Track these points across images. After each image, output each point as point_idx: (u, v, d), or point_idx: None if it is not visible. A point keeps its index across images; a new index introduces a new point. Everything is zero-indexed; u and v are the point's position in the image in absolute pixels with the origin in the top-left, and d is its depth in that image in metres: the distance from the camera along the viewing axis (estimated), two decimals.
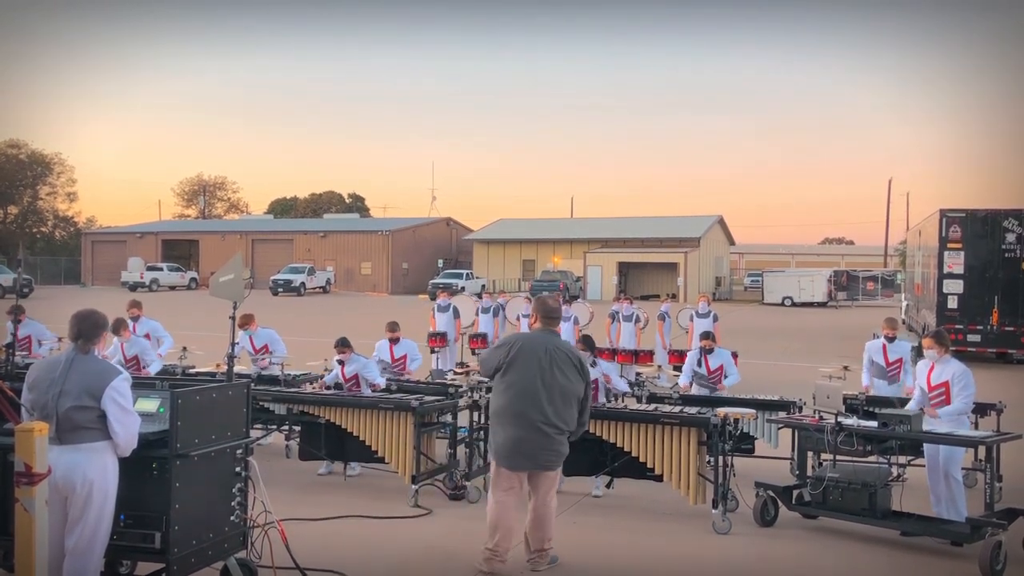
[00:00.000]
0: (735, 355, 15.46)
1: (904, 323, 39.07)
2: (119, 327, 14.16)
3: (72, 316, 6.97)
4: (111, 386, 6.64)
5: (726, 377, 14.70)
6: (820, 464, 11.33)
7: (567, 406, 8.26)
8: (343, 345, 13.53)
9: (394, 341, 15.15)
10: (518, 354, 8.29)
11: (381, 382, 13.52)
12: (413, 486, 11.20)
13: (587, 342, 12.35)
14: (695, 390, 14.46)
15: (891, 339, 13.80)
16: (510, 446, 8.27)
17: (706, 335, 14.93)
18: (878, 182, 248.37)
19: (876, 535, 10.14)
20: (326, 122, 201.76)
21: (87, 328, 6.89)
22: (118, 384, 6.68)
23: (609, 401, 12.58)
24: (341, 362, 13.54)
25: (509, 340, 8.51)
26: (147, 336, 15.36)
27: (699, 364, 14.57)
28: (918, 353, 12.76)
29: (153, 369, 14.26)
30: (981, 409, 12.37)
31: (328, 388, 13.60)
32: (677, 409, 11.04)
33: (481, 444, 12.14)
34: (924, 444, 10.40)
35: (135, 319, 15.56)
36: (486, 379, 8.70)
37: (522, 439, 8.21)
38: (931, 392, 10.50)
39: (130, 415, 6.73)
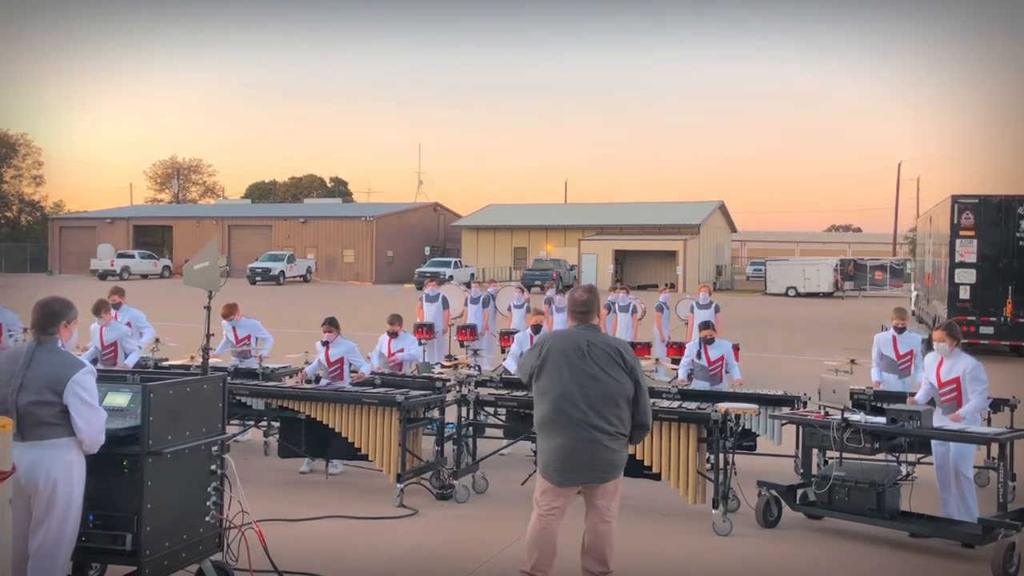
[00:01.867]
0: (736, 348, 15.48)
1: (914, 315, 39.15)
2: (100, 309, 14.21)
3: (34, 305, 6.94)
4: (73, 380, 6.57)
5: (727, 371, 14.71)
6: (825, 462, 11.34)
7: (612, 407, 7.53)
8: (331, 324, 13.53)
9: (393, 335, 15.11)
10: (548, 355, 7.70)
11: (366, 369, 13.53)
12: (398, 485, 11.19)
13: None
14: (694, 383, 14.47)
15: (901, 330, 13.72)
16: (556, 459, 7.58)
17: (706, 325, 14.98)
18: (887, 166, 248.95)
19: (884, 536, 10.16)
20: (307, 102, 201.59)
21: (42, 317, 6.85)
22: (81, 378, 6.61)
23: None
24: (326, 343, 13.50)
25: (540, 340, 8.00)
26: (128, 325, 15.29)
27: (699, 355, 14.59)
28: (929, 346, 12.77)
29: (131, 360, 14.23)
30: (994, 405, 12.38)
31: (309, 381, 13.58)
32: (676, 404, 11.05)
33: (470, 441, 12.15)
34: (933, 441, 10.42)
35: (117, 306, 15.50)
36: (526, 384, 8.13)
37: (568, 450, 7.52)
38: (941, 389, 10.50)
39: (94, 410, 6.66)
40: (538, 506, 7.69)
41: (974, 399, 10.24)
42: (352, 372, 13.59)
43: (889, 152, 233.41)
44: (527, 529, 7.73)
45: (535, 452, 8.44)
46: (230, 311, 15.22)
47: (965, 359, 10.41)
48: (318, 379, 13.71)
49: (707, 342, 14.59)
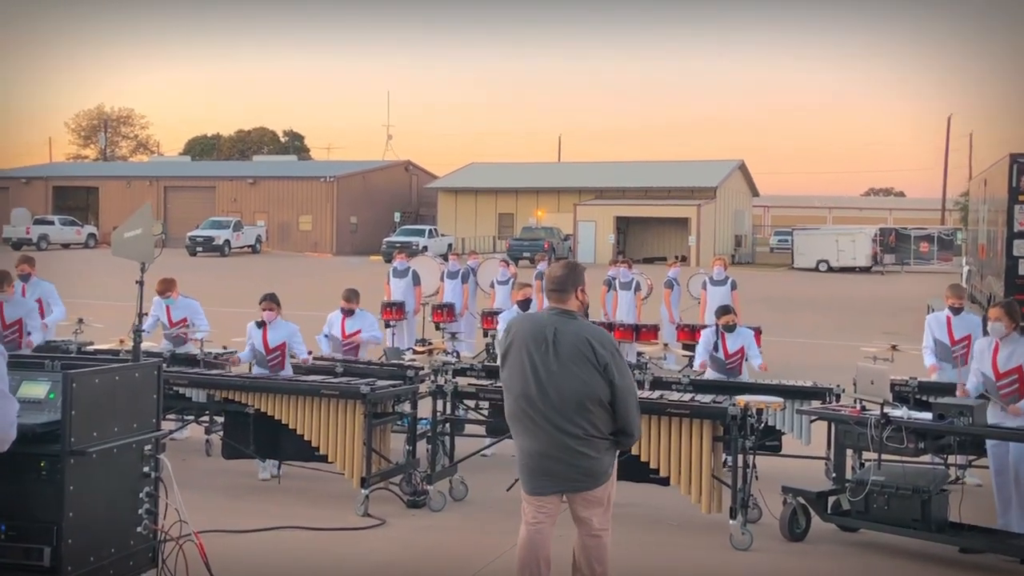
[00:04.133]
0: (758, 332, 15.47)
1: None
2: (2, 282, 13.79)
3: None
4: None
5: (747, 359, 14.60)
6: (862, 465, 11.37)
7: (580, 411, 7.32)
8: (272, 301, 13.36)
9: (348, 313, 15.06)
10: (511, 344, 7.60)
11: (306, 356, 13.41)
12: (363, 491, 11.19)
13: None
14: (707, 374, 14.43)
15: (957, 311, 13.59)
16: (527, 463, 7.56)
17: (725, 310, 14.71)
18: (935, 120, 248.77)
19: (930, 552, 10.19)
20: (255, 42, 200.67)
21: None
22: None
23: None
24: (263, 324, 13.35)
25: (508, 326, 7.88)
26: (38, 302, 15.10)
27: (716, 348, 14.45)
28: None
29: (34, 339, 13.96)
30: None
31: (249, 367, 13.51)
32: (687, 397, 11.04)
33: (446, 439, 12.15)
34: (988, 441, 10.44)
35: (25, 278, 15.30)
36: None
37: (535, 453, 7.48)
38: (1000, 380, 10.48)
39: (5, 400, 6.49)
40: (524, 516, 7.68)
41: None
42: (292, 358, 13.48)
43: (937, 104, 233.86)
44: (517, 542, 7.72)
45: None
46: (167, 287, 15.15)
47: None
48: (259, 360, 13.55)
49: (727, 330, 14.40)
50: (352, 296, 15.13)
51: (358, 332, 15.03)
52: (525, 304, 15.09)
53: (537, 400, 7.37)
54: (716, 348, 14.40)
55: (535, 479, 7.51)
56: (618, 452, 7.76)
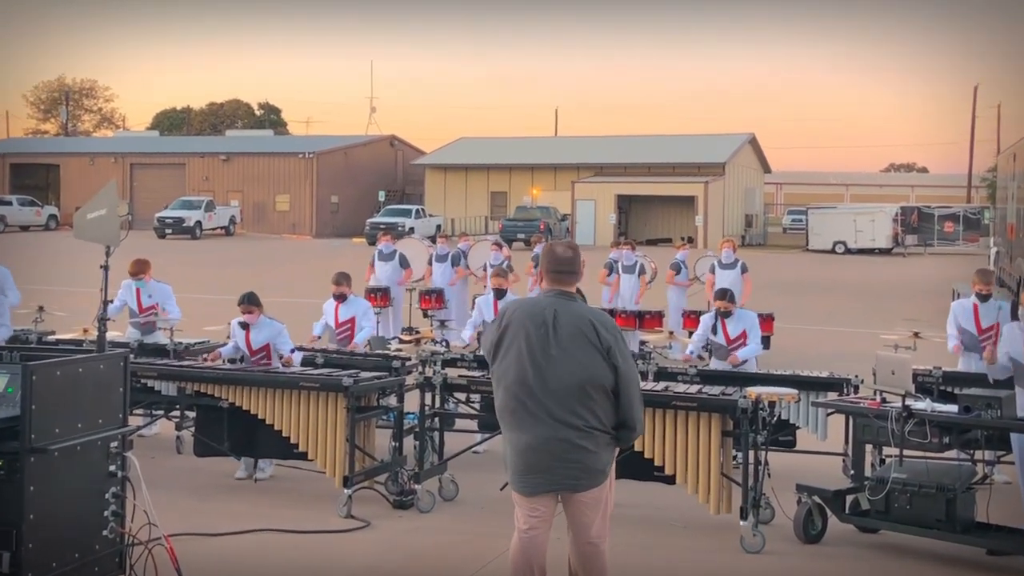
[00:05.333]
0: (770, 318, 15.46)
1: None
2: None
3: None
4: None
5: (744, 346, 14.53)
6: (882, 462, 11.39)
7: (583, 398, 7.32)
8: (249, 303, 13.32)
9: (340, 298, 15.01)
10: (506, 331, 7.55)
11: (295, 356, 13.36)
12: (346, 491, 11.21)
13: None
14: (712, 364, 14.44)
15: (985, 297, 13.61)
16: (518, 461, 7.48)
17: (723, 293, 14.71)
18: (960, 90, 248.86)
19: (955, 554, 10.21)
20: (228, 8, 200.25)
21: None
22: None
23: None
24: (245, 325, 13.35)
25: (502, 311, 7.81)
26: None
27: (714, 331, 14.47)
28: (1015, 314, 12.77)
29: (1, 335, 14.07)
30: None
31: (232, 362, 13.52)
32: (694, 389, 11.07)
33: (435, 435, 12.15)
34: (1014, 435, 10.45)
35: None
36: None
37: (529, 448, 7.41)
38: None
39: None
40: (517, 521, 7.62)
41: None
42: (280, 359, 13.42)
43: (963, 73, 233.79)
44: (510, 549, 7.67)
45: None
46: (140, 268, 15.12)
47: None
48: (241, 360, 13.55)
49: (724, 315, 14.39)
50: (342, 280, 15.10)
51: (352, 320, 15.02)
52: (501, 294, 15.16)
53: (535, 388, 7.33)
54: (715, 331, 14.40)
55: (528, 477, 7.44)
56: (617, 450, 7.72)
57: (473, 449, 13.28)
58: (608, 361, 7.32)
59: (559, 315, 7.39)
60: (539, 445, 7.35)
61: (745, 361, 14.16)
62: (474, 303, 21.58)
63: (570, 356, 7.31)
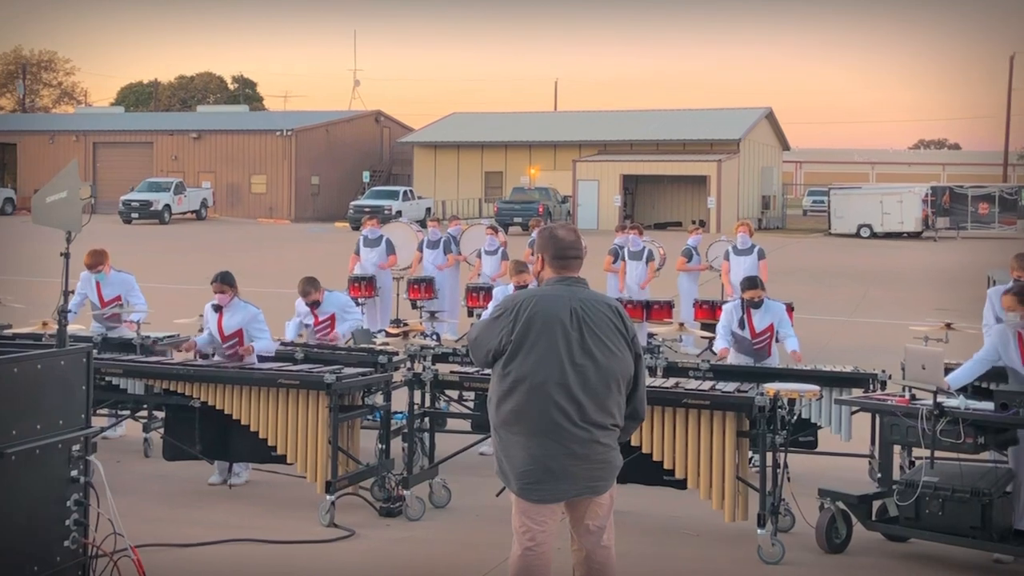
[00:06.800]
0: (790, 308, 15.44)
1: None
2: None
3: None
4: None
5: (779, 341, 14.51)
6: (912, 464, 11.40)
7: (615, 392, 7.38)
8: (222, 282, 13.23)
9: (314, 305, 14.85)
10: (530, 326, 7.38)
11: (270, 346, 13.28)
12: (328, 497, 11.22)
13: None
14: (732, 358, 14.42)
15: None
16: (534, 469, 7.35)
17: (751, 283, 14.66)
18: (994, 61, 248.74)
19: (990, 564, 10.24)
20: None
21: None
22: None
23: None
24: (218, 308, 13.27)
25: (512, 304, 7.61)
26: None
27: (741, 324, 14.42)
28: None
29: None
30: None
31: (203, 356, 13.50)
32: (707, 386, 11.08)
33: (425, 436, 12.16)
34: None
35: None
36: (480, 367, 7.76)
37: (552, 456, 7.32)
38: None
39: None
40: (520, 537, 7.48)
41: None
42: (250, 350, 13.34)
43: (999, 41, 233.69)
44: (508, 565, 7.56)
45: None
46: (97, 259, 15.12)
47: None
48: (208, 357, 13.49)
49: (753, 306, 14.35)
50: (310, 288, 14.74)
51: (332, 316, 14.94)
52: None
53: (575, 388, 7.28)
54: (741, 325, 14.33)
55: (547, 485, 7.33)
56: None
57: (480, 451, 13.28)
58: (632, 349, 7.41)
59: (587, 307, 7.37)
60: (565, 450, 7.29)
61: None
62: (468, 294, 21.64)
63: (607, 351, 7.32)
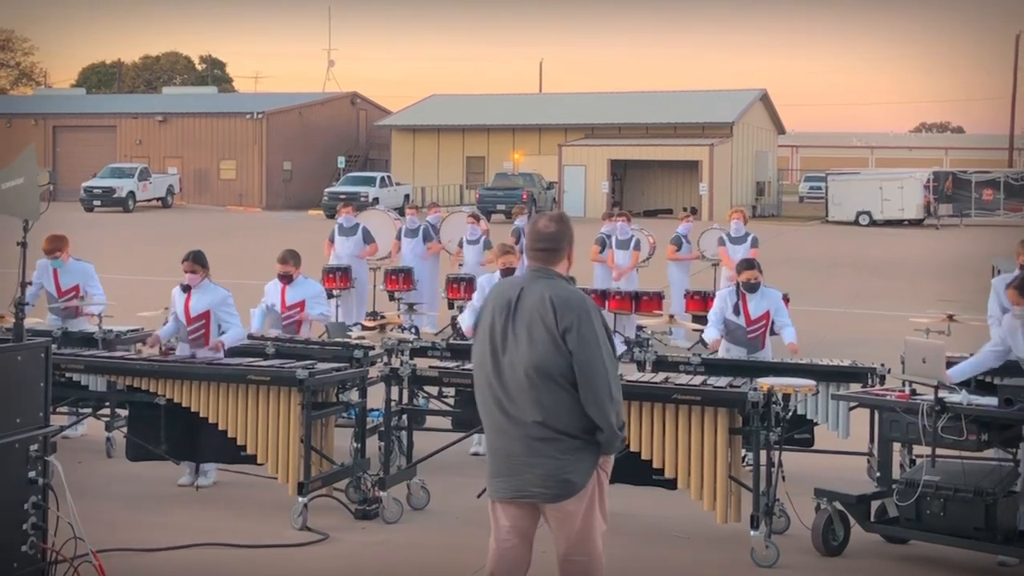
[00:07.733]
0: (786, 299, 15.44)
1: None
2: None
3: None
4: None
5: (776, 332, 14.49)
6: (912, 462, 11.42)
7: (537, 392, 7.24)
8: (195, 261, 13.12)
9: (286, 279, 14.87)
10: (482, 314, 7.66)
11: (240, 334, 13.18)
12: (300, 499, 11.21)
13: None
14: (724, 350, 14.40)
15: None
16: (491, 462, 7.55)
17: (748, 264, 14.58)
18: (1000, 40, 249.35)
19: (994, 567, 10.25)
20: None
21: None
22: None
23: None
24: (187, 288, 13.16)
25: (489, 291, 7.92)
26: None
27: (736, 311, 14.39)
28: None
29: None
30: None
31: (171, 348, 13.43)
32: (698, 380, 11.08)
33: (403, 435, 12.15)
34: None
35: None
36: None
37: (498, 450, 7.48)
38: None
39: None
40: (492, 530, 7.62)
41: None
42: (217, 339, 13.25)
43: (1004, 19, 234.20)
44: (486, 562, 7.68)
45: None
46: (55, 245, 15.04)
47: None
48: (173, 350, 13.39)
49: (749, 289, 14.31)
50: (289, 257, 14.91)
51: (301, 304, 14.89)
52: (508, 273, 14.93)
53: (492, 378, 7.40)
54: (736, 311, 14.27)
55: (495, 480, 7.48)
56: (601, 458, 7.56)
57: (472, 450, 13.26)
58: (564, 344, 7.19)
59: (523, 295, 7.38)
60: (501, 444, 7.41)
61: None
62: (448, 285, 21.64)
63: (524, 341, 7.28)
